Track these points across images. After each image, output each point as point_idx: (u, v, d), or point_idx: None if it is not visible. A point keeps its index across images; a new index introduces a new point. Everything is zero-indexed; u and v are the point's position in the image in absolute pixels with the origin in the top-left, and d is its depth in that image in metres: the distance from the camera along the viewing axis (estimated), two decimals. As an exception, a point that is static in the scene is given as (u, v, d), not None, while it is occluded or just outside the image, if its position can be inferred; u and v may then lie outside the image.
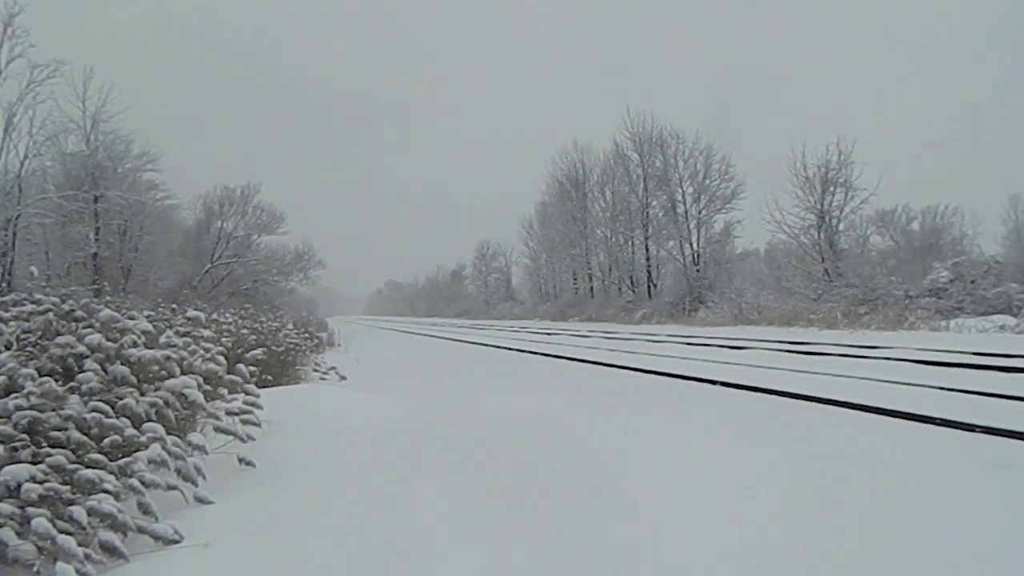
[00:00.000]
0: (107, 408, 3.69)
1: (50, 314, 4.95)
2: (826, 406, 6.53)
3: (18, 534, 2.74)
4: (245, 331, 10.52)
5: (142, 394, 4.10)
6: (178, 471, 3.65)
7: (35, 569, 2.70)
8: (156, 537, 3.03)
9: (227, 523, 3.38)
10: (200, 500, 3.67)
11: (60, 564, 2.61)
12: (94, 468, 3.20)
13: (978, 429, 5.13)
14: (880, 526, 3.16)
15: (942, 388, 7.05)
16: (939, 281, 20.22)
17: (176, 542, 3.04)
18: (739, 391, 7.89)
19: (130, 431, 3.64)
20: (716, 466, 4.38)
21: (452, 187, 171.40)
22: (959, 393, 6.74)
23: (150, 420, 3.86)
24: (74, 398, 3.69)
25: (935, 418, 5.56)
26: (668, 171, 33.50)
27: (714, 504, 3.57)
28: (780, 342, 14.61)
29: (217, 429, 4.48)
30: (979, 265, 20.83)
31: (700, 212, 32.39)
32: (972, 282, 19.61)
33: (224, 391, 4.89)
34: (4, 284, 17.63)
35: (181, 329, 6.27)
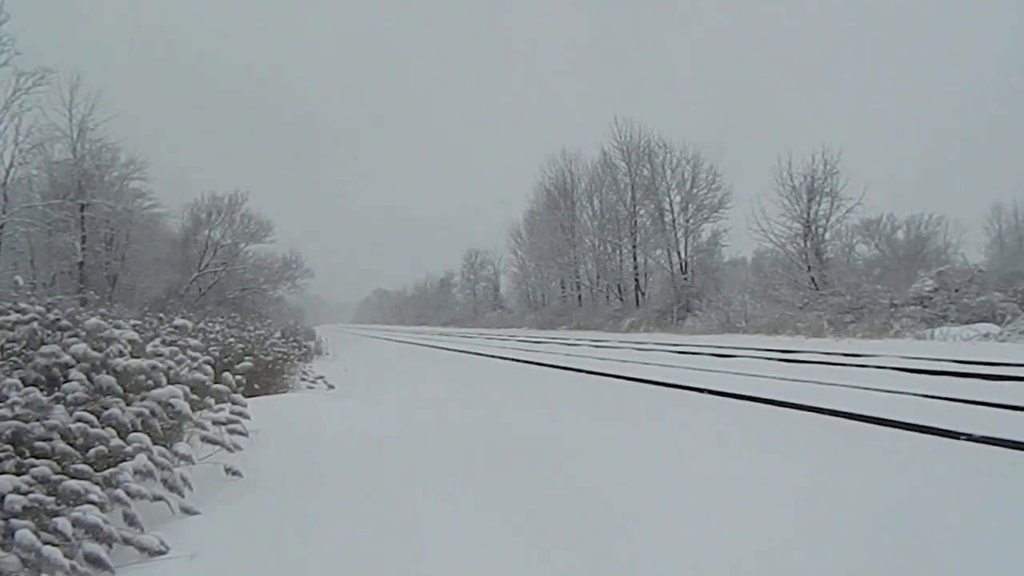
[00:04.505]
0: (92, 418, 3.67)
1: (35, 323, 4.91)
2: (812, 414, 6.58)
3: (2, 546, 2.72)
4: (232, 340, 10.48)
5: (128, 404, 4.08)
6: (164, 481, 3.63)
7: (19, 581, 2.67)
8: (142, 548, 3.01)
9: (214, 534, 3.37)
10: (186, 510, 3.65)
11: (44, 576, 2.59)
12: (79, 479, 3.18)
13: (961, 436, 5.19)
14: (868, 528, 3.20)
15: (926, 396, 7.12)
16: (924, 290, 20.40)
17: (162, 553, 3.03)
18: (727, 399, 7.93)
19: (116, 441, 3.62)
20: (707, 469, 4.40)
21: (441, 196, 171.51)
22: (943, 401, 6.81)
23: (136, 430, 3.84)
24: (59, 408, 3.66)
25: (919, 425, 5.61)
26: (656, 180, 33.75)
27: (708, 505, 3.59)
28: (767, 350, 14.69)
29: (204, 439, 4.46)
30: (963, 274, 21.03)
31: (687, 221, 32.62)
32: (956, 291, 19.79)
33: (211, 400, 4.87)
34: (-12, 293, 17.45)
35: (168, 338, 6.24)
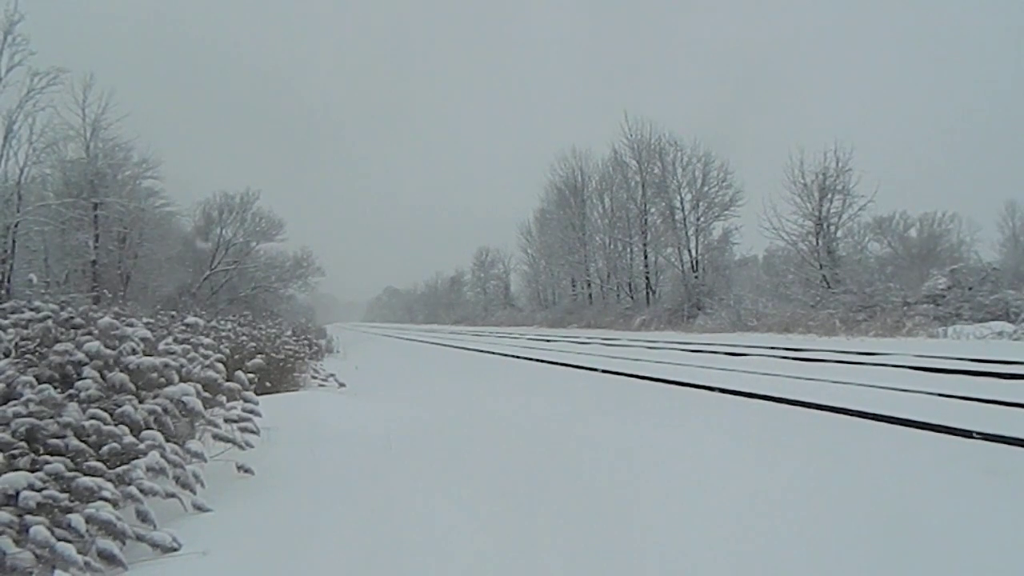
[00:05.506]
0: (105, 415, 3.70)
1: (49, 321, 4.96)
2: (825, 412, 6.53)
3: (16, 542, 2.74)
4: (244, 338, 10.53)
5: (141, 401, 4.10)
6: (176, 479, 3.65)
7: (33, 577, 2.70)
8: (154, 545, 3.03)
9: (226, 531, 3.38)
10: (199, 508, 3.67)
11: (59, 572, 2.61)
12: (92, 476, 3.20)
13: (975, 435, 5.14)
14: (880, 529, 3.17)
15: (940, 395, 7.06)
16: (937, 288, 20.23)
17: (174, 550, 3.04)
18: (739, 398, 7.89)
19: (129, 439, 3.64)
20: (717, 468, 4.38)
21: (451, 194, 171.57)
22: (957, 399, 6.74)
23: (149, 427, 3.86)
24: (72, 405, 3.69)
25: (933, 424, 5.56)
26: (666, 178, 33.60)
27: (719, 504, 3.57)
28: (779, 349, 14.61)
29: (216, 436, 4.48)
30: (976, 272, 20.84)
31: (698, 219, 32.46)
32: (970, 288, 19.61)
33: (223, 398, 4.89)
34: (3, 291, 17.62)
35: (180, 336, 6.28)
